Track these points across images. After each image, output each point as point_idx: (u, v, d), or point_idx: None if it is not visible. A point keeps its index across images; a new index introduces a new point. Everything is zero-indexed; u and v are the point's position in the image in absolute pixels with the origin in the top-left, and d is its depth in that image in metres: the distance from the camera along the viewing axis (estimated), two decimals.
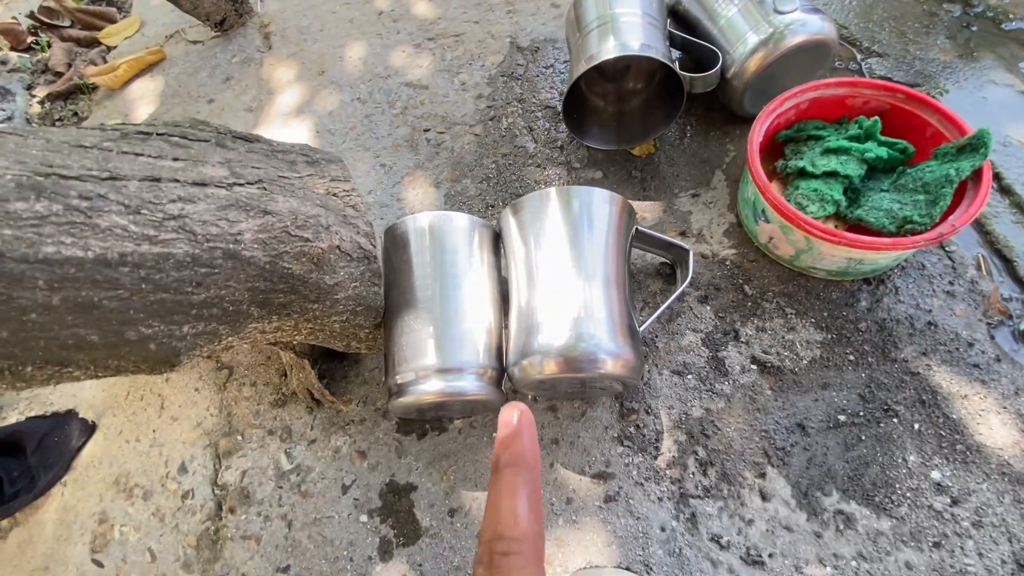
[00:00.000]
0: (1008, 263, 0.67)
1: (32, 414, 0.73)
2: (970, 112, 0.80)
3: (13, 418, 0.74)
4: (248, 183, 0.48)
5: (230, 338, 0.49)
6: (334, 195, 0.55)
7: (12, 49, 1.20)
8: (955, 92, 0.82)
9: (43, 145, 0.40)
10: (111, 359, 0.43)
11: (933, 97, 0.81)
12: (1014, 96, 0.81)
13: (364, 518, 0.59)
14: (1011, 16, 0.91)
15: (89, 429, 0.72)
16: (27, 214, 0.35)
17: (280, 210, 0.48)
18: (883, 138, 0.63)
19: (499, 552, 0.26)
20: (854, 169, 0.61)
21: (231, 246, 0.44)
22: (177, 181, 0.44)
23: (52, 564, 0.63)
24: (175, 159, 0.46)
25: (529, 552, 0.26)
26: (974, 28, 0.90)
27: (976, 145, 0.56)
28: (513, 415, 0.29)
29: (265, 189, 0.49)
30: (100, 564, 0.62)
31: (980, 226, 0.70)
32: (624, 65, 0.80)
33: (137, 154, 0.44)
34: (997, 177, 0.74)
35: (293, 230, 0.48)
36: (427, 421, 0.63)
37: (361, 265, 0.54)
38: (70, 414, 0.72)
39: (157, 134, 0.48)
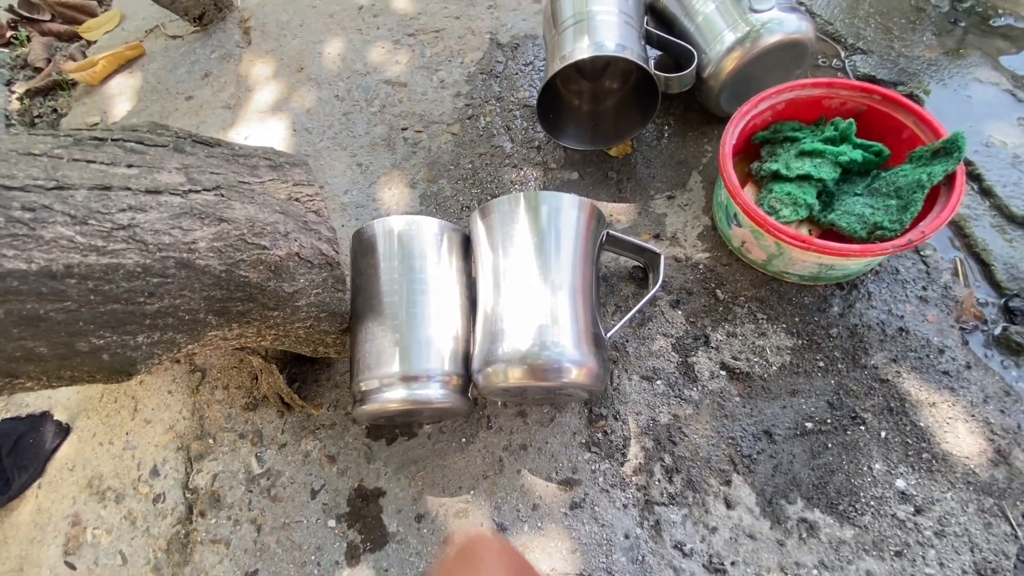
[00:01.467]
0: (986, 267, 0.66)
1: (7, 416, 0.73)
2: (953, 111, 0.79)
3: None
4: (205, 189, 0.48)
5: (190, 346, 0.49)
6: (296, 200, 0.54)
7: None
8: (940, 90, 0.81)
9: None
10: (63, 370, 0.42)
11: (916, 96, 0.80)
12: (999, 94, 0.80)
13: (332, 523, 0.59)
14: (999, 11, 0.89)
15: (64, 431, 0.72)
16: None
17: (237, 217, 0.47)
18: (858, 140, 0.62)
19: None
20: (828, 172, 0.60)
21: (185, 255, 0.44)
22: (129, 189, 0.43)
23: (26, 566, 0.63)
24: (129, 166, 0.45)
25: None
26: (961, 24, 0.88)
27: (950, 149, 0.56)
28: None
29: (222, 196, 0.48)
30: (72, 566, 0.62)
31: (959, 229, 0.69)
32: (602, 64, 0.78)
33: (89, 161, 0.44)
34: (978, 179, 0.73)
35: (250, 238, 0.47)
36: (396, 426, 0.63)
37: (323, 271, 0.53)
38: (45, 416, 0.72)
39: (112, 140, 0.47)
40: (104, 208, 0.41)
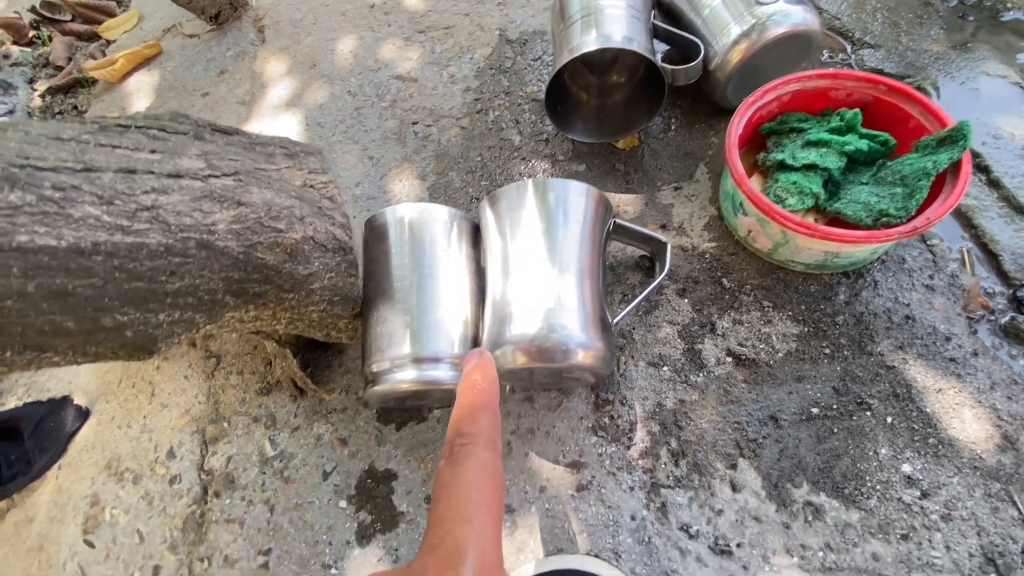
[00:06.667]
0: (993, 257, 0.66)
1: (29, 400, 0.75)
2: (961, 104, 0.79)
3: (11, 404, 0.76)
4: (224, 175, 0.49)
5: (208, 326, 0.50)
6: (311, 187, 0.56)
7: (14, 43, 1.22)
8: (947, 84, 0.81)
9: (21, 138, 0.42)
10: (88, 345, 0.44)
11: (924, 89, 0.80)
12: (1007, 88, 0.80)
13: (343, 503, 0.60)
14: (1008, 6, 0.89)
15: (83, 415, 0.74)
16: (1, 204, 0.37)
17: (254, 201, 0.49)
18: (864, 131, 0.62)
19: (457, 444, 0.31)
20: (834, 162, 0.61)
21: (205, 236, 0.45)
22: (152, 173, 0.45)
23: (46, 544, 0.65)
24: (152, 151, 0.47)
25: (484, 441, 0.31)
26: (970, 18, 0.88)
27: (956, 137, 0.56)
28: (476, 356, 0.38)
29: (240, 181, 0.50)
30: (91, 545, 0.64)
31: (967, 220, 0.69)
32: (609, 58, 0.80)
33: (114, 146, 0.45)
34: (986, 170, 0.73)
35: (267, 221, 0.49)
36: (406, 410, 0.64)
37: (336, 256, 0.54)
38: (65, 400, 0.74)
39: (136, 127, 0.49)
40: (129, 190, 0.43)
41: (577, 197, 0.57)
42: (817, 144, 0.62)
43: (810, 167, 0.61)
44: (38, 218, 0.38)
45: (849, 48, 0.86)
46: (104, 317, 0.43)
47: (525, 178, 0.78)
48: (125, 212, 0.42)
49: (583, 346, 0.51)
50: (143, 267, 0.43)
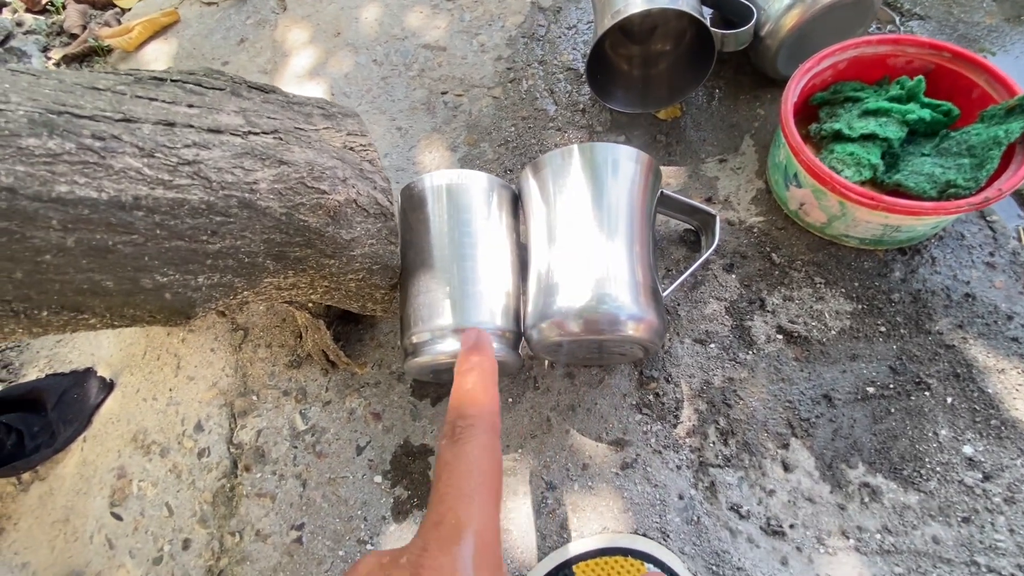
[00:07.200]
0: None
1: (51, 372, 0.74)
2: (1016, 77, 0.76)
3: (33, 375, 0.75)
4: (264, 132, 0.47)
5: (246, 292, 0.48)
6: (351, 149, 0.54)
7: (28, 11, 1.19)
8: (1001, 57, 0.78)
9: (56, 85, 0.39)
10: (126, 307, 0.42)
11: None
12: None
13: (378, 479, 0.59)
14: None
15: (107, 387, 0.72)
16: (39, 151, 0.34)
17: (296, 160, 0.46)
18: (926, 99, 0.59)
19: (459, 426, 0.31)
20: (894, 132, 0.58)
21: (247, 195, 0.43)
22: (192, 127, 0.43)
23: (72, 516, 0.64)
24: (189, 105, 0.44)
25: (485, 424, 0.32)
26: None
27: None
28: (474, 335, 0.38)
29: (281, 139, 0.47)
30: (119, 517, 0.63)
31: (1022, 198, 0.66)
32: (651, 25, 0.76)
33: (151, 99, 0.43)
34: None
35: (309, 181, 0.46)
36: (443, 384, 0.62)
37: (378, 222, 0.52)
38: (89, 372, 0.73)
39: (171, 80, 0.46)
40: (170, 143, 0.40)
41: (627, 162, 0.54)
42: (876, 113, 0.59)
43: (868, 137, 0.58)
44: (78, 168, 0.36)
45: (898, 19, 0.83)
46: (144, 277, 0.41)
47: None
48: (167, 166, 0.39)
49: (635, 318, 0.49)
50: (184, 225, 0.41)
